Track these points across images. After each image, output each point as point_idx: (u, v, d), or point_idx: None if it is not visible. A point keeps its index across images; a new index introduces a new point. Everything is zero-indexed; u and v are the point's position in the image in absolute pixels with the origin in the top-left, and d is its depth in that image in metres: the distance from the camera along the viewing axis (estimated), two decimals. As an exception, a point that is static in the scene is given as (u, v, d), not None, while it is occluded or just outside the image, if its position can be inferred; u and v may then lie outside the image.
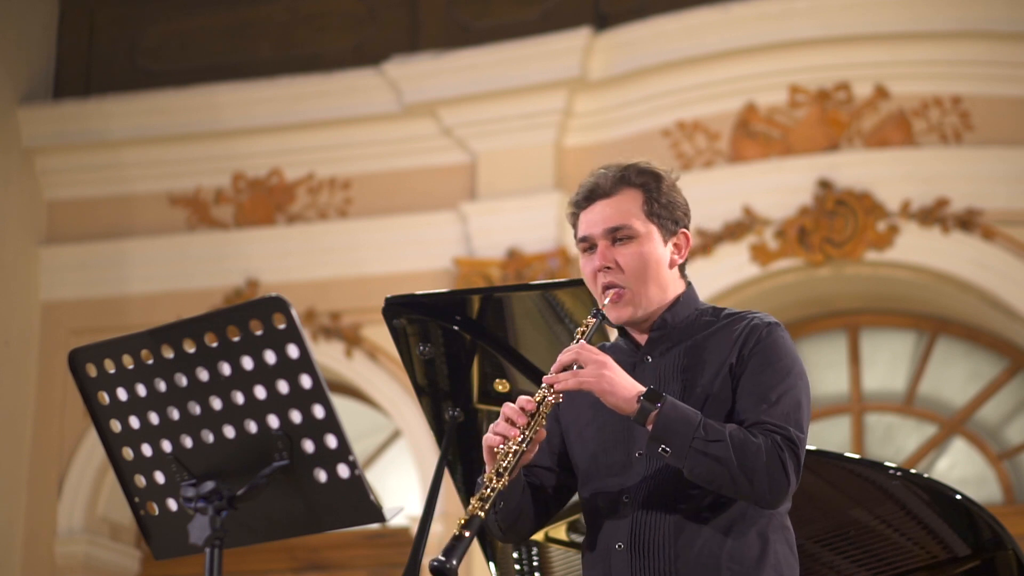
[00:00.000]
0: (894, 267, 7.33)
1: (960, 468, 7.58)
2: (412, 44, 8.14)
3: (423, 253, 7.83)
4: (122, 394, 2.73)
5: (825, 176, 7.34)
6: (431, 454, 7.38)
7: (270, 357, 2.62)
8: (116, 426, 2.76)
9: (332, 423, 2.62)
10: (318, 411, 2.62)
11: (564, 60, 7.67)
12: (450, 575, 2.70)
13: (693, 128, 7.58)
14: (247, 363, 2.63)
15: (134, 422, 2.74)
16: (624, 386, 2.84)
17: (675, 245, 3.07)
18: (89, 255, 8.29)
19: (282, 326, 2.60)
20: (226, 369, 2.64)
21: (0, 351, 8.06)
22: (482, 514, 2.77)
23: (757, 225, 7.40)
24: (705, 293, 3.26)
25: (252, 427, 2.65)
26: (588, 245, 3.02)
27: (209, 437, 2.68)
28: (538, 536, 3.97)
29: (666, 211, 3.04)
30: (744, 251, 7.40)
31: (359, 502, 2.64)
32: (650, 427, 2.82)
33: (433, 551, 7.20)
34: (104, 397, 2.75)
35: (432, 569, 2.71)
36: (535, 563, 4.05)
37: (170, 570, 7.09)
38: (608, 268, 2.98)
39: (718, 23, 7.46)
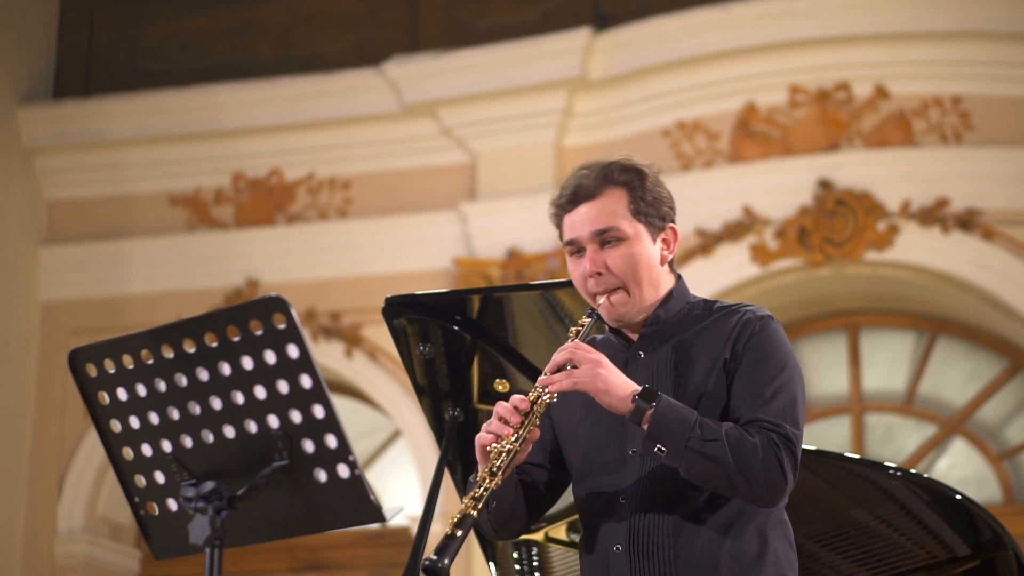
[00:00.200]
0: (894, 267, 7.33)
1: (960, 468, 7.58)
2: (412, 44, 8.14)
3: (423, 253, 7.83)
4: (122, 394, 2.73)
5: (825, 176, 7.34)
6: (431, 454, 7.38)
7: (270, 357, 2.62)
8: (116, 426, 2.76)
9: (332, 423, 2.62)
10: (318, 411, 2.62)
11: (564, 60, 7.68)
12: (442, 574, 2.70)
13: (693, 128, 7.58)
14: (247, 363, 2.63)
15: (134, 422, 2.74)
16: (619, 385, 2.82)
17: (663, 241, 3.01)
18: (89, 255, 8.29)
19: (282, 326, 2.60)
20: (226, 369, 2.64)
21: (0, 351, 8.06)
22: (474, 513, 2.76)
23: (757, 225, 7.40)
24: (705, 293, 3.24)
25: (252, 427, 2.65)
26: (575, 248, 2.98)
27: (209, 437, 2.68)
28: (538, 536, 3.97)
29: (652, 208, 2.98)
30: (744, 251, 7.40)
31: (359, 502, 2.64)
32: (645, 426, 2.80)
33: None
34: (104, 397, 2.75)
35: (424, 568, 2.70)
36: (535, 563, 4.05)
37: (170, 570, 7.09)
38: (599, 274, 2.94)
39: (718, 23, 7.46)
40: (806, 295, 7.60)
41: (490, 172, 7.81)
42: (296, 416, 2.63)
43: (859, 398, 7.72)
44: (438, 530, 7.30)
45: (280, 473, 2.64)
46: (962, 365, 7.70)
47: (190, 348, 2.66)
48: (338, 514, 2.67)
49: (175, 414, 2.70)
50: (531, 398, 2.84)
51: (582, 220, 2.96)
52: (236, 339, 2.63)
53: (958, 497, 3.89)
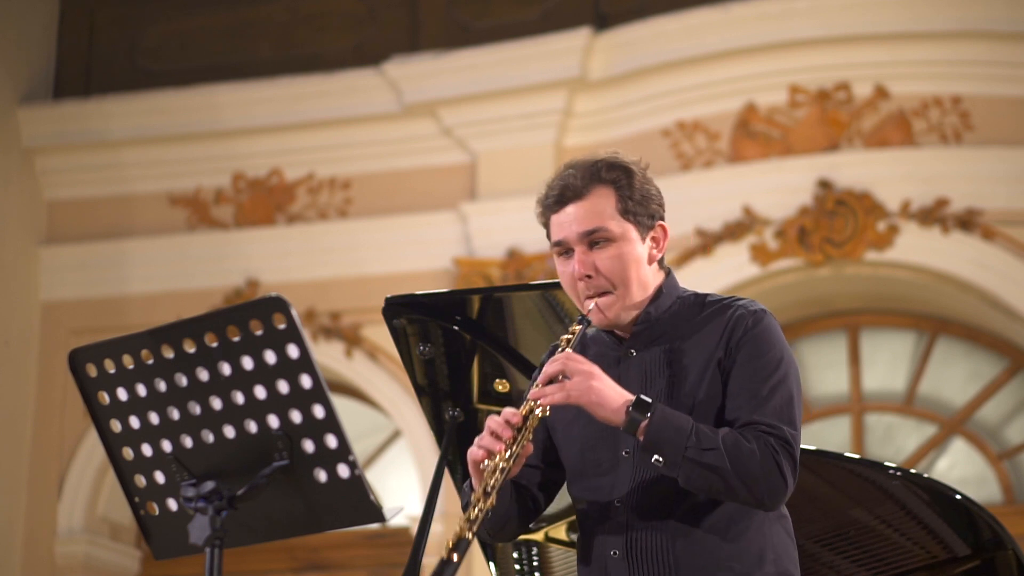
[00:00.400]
0: (894, 267, 7.33)
1: (960, 468, 7.58)
2: (412, 44, 8.14)
3: (423, 253, 7.83)
4: (122, 394, 2.73)
5: (825, 176, 7.34)
6: (431, 454, 7.38)
7: (270, 357, 2.62)
8: (116, 426, 2.76)
9: (332, 423, 2.61)
10: (318, 411, 2.62)
11: (564, 60, 7.68)
12: None
13: (693, 128, 7.58)
14: (247, 363, 2.63)
15: (134, 422, 2.74)
16: (612, 397, 2.78)
17: (653, 239, 2.96)
18: (89, 255, 8.29)
19: (282, 326, 2.60)
20: (226, 369, 2.64)
21: (0, 351, 8.06)
22: (470, 536, 2.72)
23: (757, 225, 7.40)
24: (705, 293, 3.21)
25: (252, 427, 2.65)
26: (563, 249, 2.94)
27: (209, 437, 2.68)
28: (538, 536, 3.97)
29: (641, 207, 2.93)
30: (744, 251, 7.40)
31: (359, 502, 2.63)
32: (641, 438, 2.77)
33: (433, 551, 7.20)
34: (104, 397, 2.75)
35: None
36: (535, 563, 4.04)
37: (170, 570, 7.09)
38: (589, 276, 2.90)
39: (718, 23, 7.46)
40: (806, 295, 7.60)
41: (490, 172, 7.81)
42: (296, 416, 2.63)
43: (859, 398, 7.72)
44: (438, 530, 7.34)
45: (280, 473, 2.64)
46: (962, 365, 7.70)
47: (190, 348, 2.66)
48: (338, 514, 2.66)
49: (175, 414, 2.70)
50: (523, 412, 2.79)
51: (570, 220, 2.92)
52: (236, 339, 2.62)
53: (958, 497, 3.89)
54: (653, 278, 2.96)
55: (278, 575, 8.07)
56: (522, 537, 3.77)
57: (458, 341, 3.78)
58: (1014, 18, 7.20)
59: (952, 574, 3.98)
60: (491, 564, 4.00)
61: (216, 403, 2.66)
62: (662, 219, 2.97)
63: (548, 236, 2.98)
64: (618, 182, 2.92)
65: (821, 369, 7.81)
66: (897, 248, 7.23)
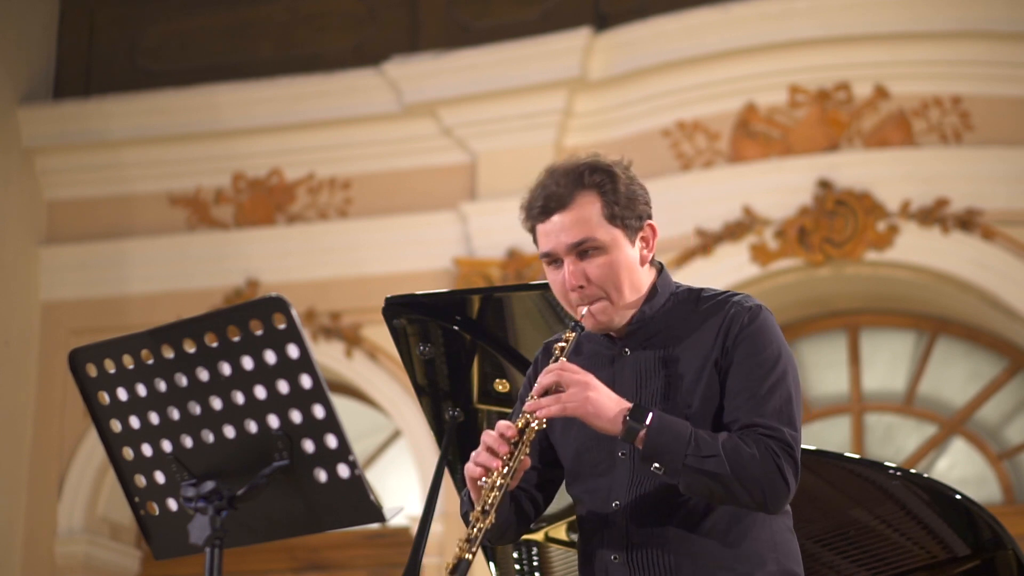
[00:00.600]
0: (894, 267, 7.33)
1: (960, 468, 7.58)
2: (412, 44, 8.14)
3: (423, 253, 7.83)
4: (122, 394, 2.73)
5: (825, 176, 7.34)
6: (431, 454, 7.38)
7: (270, 357, 2.61)
8: (116, 426, 2.76)
9: (332, 423, 2.61)
10: (318, 411, 2.61)
11: (564, 60, 7.68)
12: None
13: (693, 128, 7.58)
14: (247, 363, 2.63)
15: (134, 422, 2.74)
16: (609, 407, 2.75)
17: (642, 239, 2.91)
18: (89, 255, 8.29)
19: (282, 326, 2.59)
20: (226, 369, 2.64)
21: (0, 351, 8.06)
22: (470, 556, 2.71)
23: (757, 225, 7.40)
24: (705, 293, 3.19)
25: (252, 427, 2.65)
26: (552, 259, 2.89)
27: (209, 437, 2.68)
28: (538, 536, 3.97)
29: (628, 210, 2.87)
30: (744, 251, 7.40)
31: (359, 502, 2.63)
32: (640, 446, 2.75)
33: (433, 551, 7.20)
34: (104, 397, 2.75)
35: None
36: (535, 563, 4.05)
37: (170, 570, 7.09)
38: (581, 287, 2.86)
39: (718, 23, 7.46)
40: (806, 295, 7.60)
41: (490, 172, 7.81)
42: (296, 416, 2.62)
43: (859, 398, 7.72)
44: (438, 530, 7.33)
45: (280, 473, 2.64)
46: (962, 365, 7.70)
47: (190, 348, 2.66)
48: (338, 514, 2.66)
49: (175, 414, 2.70)
50: (519, 425, 2.77)
51: (556, 231, 2.86)
52: (236, 339, 2.62)
53: (958, 497, 3.89)
54: (645, 278, 2.93)
55: (278, 575, 8.07)
56: (522, 537, 3.77)
57: (458, 341, 3.78)
58: (1014, 18, 7.20)
59: (952, 574, 3.98)
60: (491, 564, 4.00)
61: (216, 403, 2.66)
62: (650, 217, 2.93)
63: (535, 242, 2.93)
64: (602, 186, 2.87)
65: (821, 369, 7.81)
66: (897, 248, 7.23)
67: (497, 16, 8.05)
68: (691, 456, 2.73)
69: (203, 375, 2.66)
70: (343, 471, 2.62)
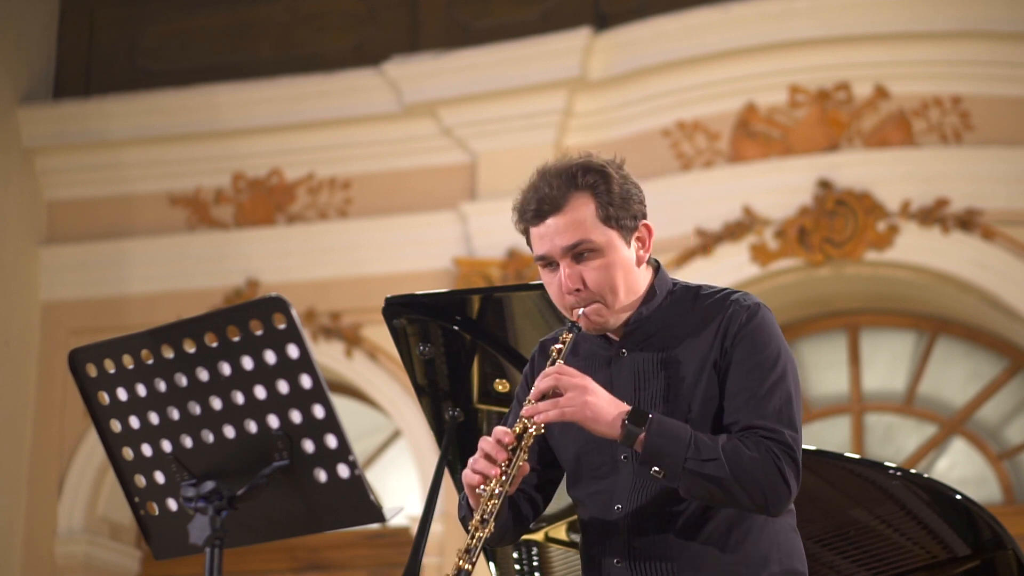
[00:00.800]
0: (894, 267, 7.33)
1: (960, 468, 7.58)
2: (412, 44, 8.14)
3: (423, 253, 7.83)
4: (122, 394, 2.73)
5: (825, 176, 7.34)
6: (431, 454, 7.38)
7: (270, 357, 2.61)
8: (116, 426, 2.76)
9: (332, 423, 2.61)
10: (318, 411, 2.61)
11: (564, 60, 7.68)
12: None
13: (693, 128, 7.58)
14: (247, 363, 2.62)
15: (134, 422, 2.74)
16: (607, 411, 2.73)
17: (638, 240, 2.87)
18: (89, 255, 8.29)
19: (282, 326, 2.59)
20: (226, 369, 2.64)
21: (0, 351, 8.06)
22: (470, 568, 2.70)
23: (757, 225, 7.40)
24: (705, 293, 3.17)
25: (252, 427, 2.65)
26: (547, 262, 2.85)
27: (209, 437, 2.68)
28: (538, 536, 3.97)
29: (622, 210, 2.83)
30: (744, 251, 7.40)
31: (359, 502, 2.63)
32: (639, 450, 2.73)
33: (433, 551, 7.21)
34: (104, 397, 2.75)
35: None
36: (535, 563, 4.04)
37: (170, 570, 7.09)
38: (578, 290, 2.82)
39: (718, 23, 7.46)
40: (806, 295, 7.60)
41: (490, 172, 7.81)
42: (296, 416, 2.62)
43: (859, 398, 7.72)
44: (438, 530, 7.33)
45: (280, 473, 2.64)
46: (962, 365, 7.70)
47: (190, 348, 2.66)
48: (338, 514, 2.66)
49: (175, 414, 2.70)
50: (517, 431, 2.75)
51: (551, 234, 2.82)
52: (236, 339, 2.62)
53: (958, 497, 3.89)
54: (642, 278, 2.90)
55: (278, 575, 8.07)
56: (522, 537, 3.77)
57: (458, 341, 3.78)
58: (1014, 18, 7.20)
59: (952, 574, 3.98)
60: (491, 564, 4.00)
61: (216, 403, 2.66)
62: (645, 217, 2.89)
63: (528, 244, 2.90)
64: (596, 187, 2.83)
65: (821, 369, 7.81)
66: (897, 248, 7.23)
67: (497, 16, 8.05)
68: (691, 460, 2.71)
69: (203, 375, 2.65)
70: (343, 471, 2.62)
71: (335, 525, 2.67)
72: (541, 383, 2.76)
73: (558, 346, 2.83)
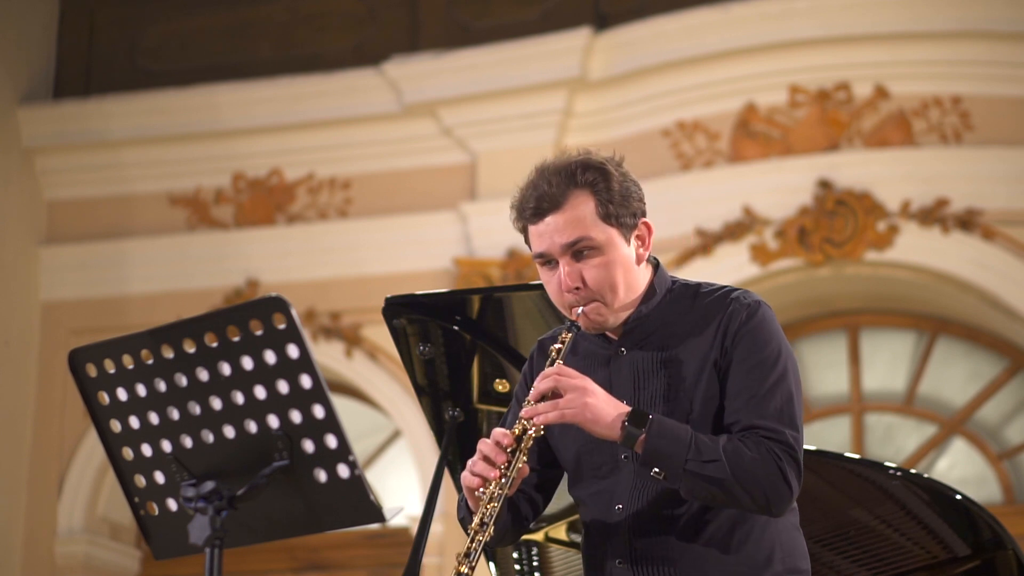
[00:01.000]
0: (894, 267, 7.33)
1: (960, 468, 7.58)
2: (412, 44, 8.14)
3: (423, 253, 7.83)
4: (122, 394, 2.73)
5: (825, 176, 7.34)
6: (431, 454, 7.38)
7: (270, 357, 2.61)
8: (116, 426, 2.76)
9: (332, 423, 2.61)
10: (318, 411, 2.61)
11: (564, 60, 7.68)
12: None
13: (693, 128, 7.58)
14: (247, 363, 2.62)
15: (134, 422, 2.73)
16: (607, 412, 2.71)
17: (638, 238, 2.85)
18: (89, 255, 8.29)
19: (282, 326, 2.59)
20: (226, 369, 2.64)
21: (0, 351, 8.06)
22: (469, 571, 2.69)
23: (757, 225, 7.40)
24: (705, 293, 3.16)
25: (252, 427, 2.65)
26: (546, 260, 2.83)
27: (209, 437, 2.68)
28: (538, 536, 3.97)
29: (622, 208, 2.81)
30: (744, 251, 7.40)
31: (359, 502, 2.63)
32: (639, 452, 2.72)
33: (433, 551, 7.21)
34: (104, 397, 2.75)
35: None
36: (535, 563, 4.04)
37: (170, 570, 7.09)
38: (577, 288, 2.80)
39: (718, 23, 7.46)
40: (806, 295, 7.60)
41: (490, 172, 7.81)
42: (296, 416, 2.62)
43: (859, 398, 7.72)
44: (438, 530, 7.32)
45: (280, 473, 2.64)
46: (962, 365, 7.70)
47: (190, 348, 2.66)
48: (338, 514, 2.66)
49: (175, 414, 2.70)
50: (516, 432, 2.73)
51: (550, 232, 2.80)
52: (236, 339, 2.62)
53: (958, 497, 3.89)
54: (642, 277, 2.88)
55: (278, 575, 8.07)
56: (522, 537, 3.77)
57: (458, 341, 3.77)
58: (1014, 18, 7.20)
59: (952, 574, 3.98)
60: (491, 564, 4.00)
61: (216, 403, 2.66)
62: (644, 215, 2.87)
63: (526, 242, 2.88)
64: (595, 185, 2.81)
65: (821, 369, 7.81)
66: (897, 248, 7.23)
67: (497, 16, 8.05)
68: (692, 461, 2.70)
69: (203, 375, 2.65)
70: (343, 471, 2.62)
71: (335, 525, 2.67)
72: (540, 384, 2.75)
73: (557, 345, 2.82)
